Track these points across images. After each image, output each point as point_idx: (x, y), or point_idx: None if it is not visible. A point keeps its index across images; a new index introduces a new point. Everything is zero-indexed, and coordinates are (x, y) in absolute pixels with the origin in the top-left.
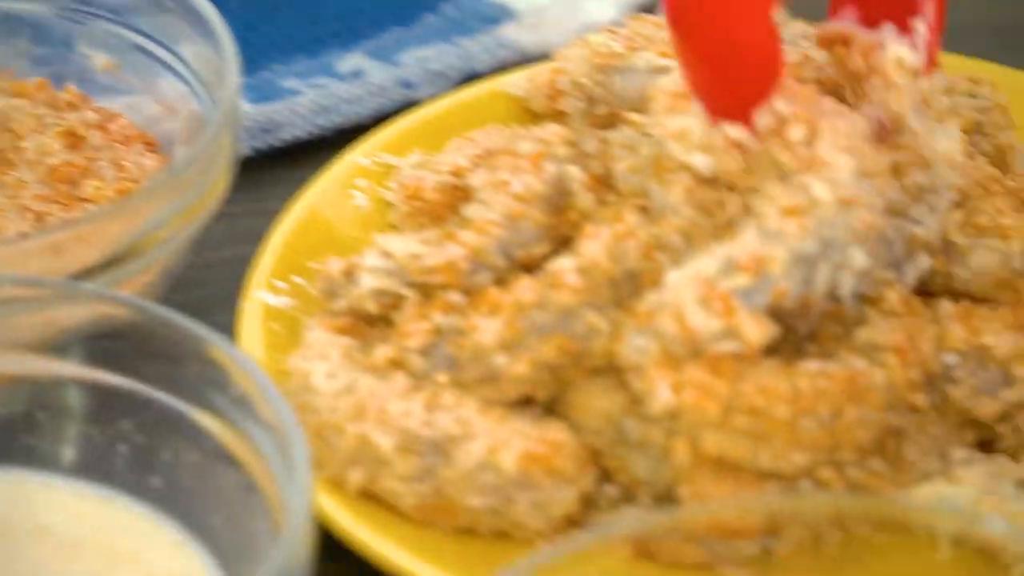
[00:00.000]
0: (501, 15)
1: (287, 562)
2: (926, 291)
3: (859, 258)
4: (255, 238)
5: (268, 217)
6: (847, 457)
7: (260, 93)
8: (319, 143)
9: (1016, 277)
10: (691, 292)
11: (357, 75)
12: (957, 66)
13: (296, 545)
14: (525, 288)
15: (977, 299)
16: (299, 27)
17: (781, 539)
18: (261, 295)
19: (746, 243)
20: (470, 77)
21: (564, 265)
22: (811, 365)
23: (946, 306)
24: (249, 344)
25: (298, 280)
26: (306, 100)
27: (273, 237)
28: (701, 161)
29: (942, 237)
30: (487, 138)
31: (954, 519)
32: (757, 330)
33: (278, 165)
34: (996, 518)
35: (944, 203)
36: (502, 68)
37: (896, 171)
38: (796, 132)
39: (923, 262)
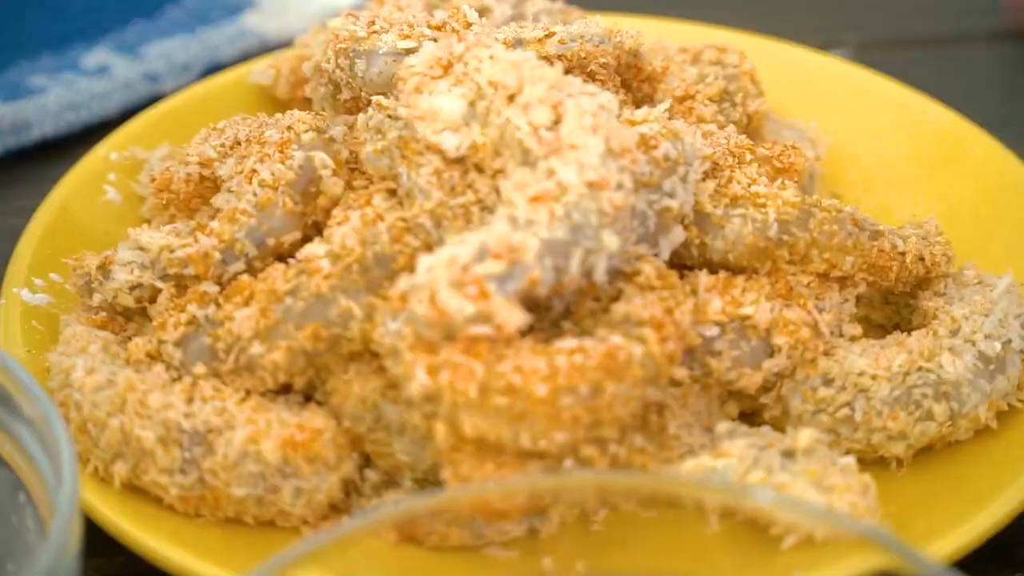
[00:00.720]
0: (242, 4)
1: (56, 560)
2: (682, 264)
3: (611, 240)
4: (10, 236)
5: (22, 215)
6: (609, 434)
7: (7, 92)
8: (69, 139)
9: (772, 246)
10: (444, 276)
11: (103, 70)
12: (705, 34)
13: (64, 543)
14: (278, 276)
15: (734, 269)
16: (44, 24)
17: (546, 518)
18: (19, 293)
19: (498, 230)
20: (215, 67)
21: (315, 251)
22: (568, 342)
23: (703, 278)
24: (9, 343)
25: (55, 277)
26: (54, 97)
27: (27, 235)
28: (449, 141)
29: (695, 208)
30: (234, 127)
31: (721, 492)
32: (511, 315)
33: (29, 163)
34: (764, 490)
35: (695, 174)
36: (245, 57)
37: (645, 144)
38: (540, 115)
39: (677, 235)
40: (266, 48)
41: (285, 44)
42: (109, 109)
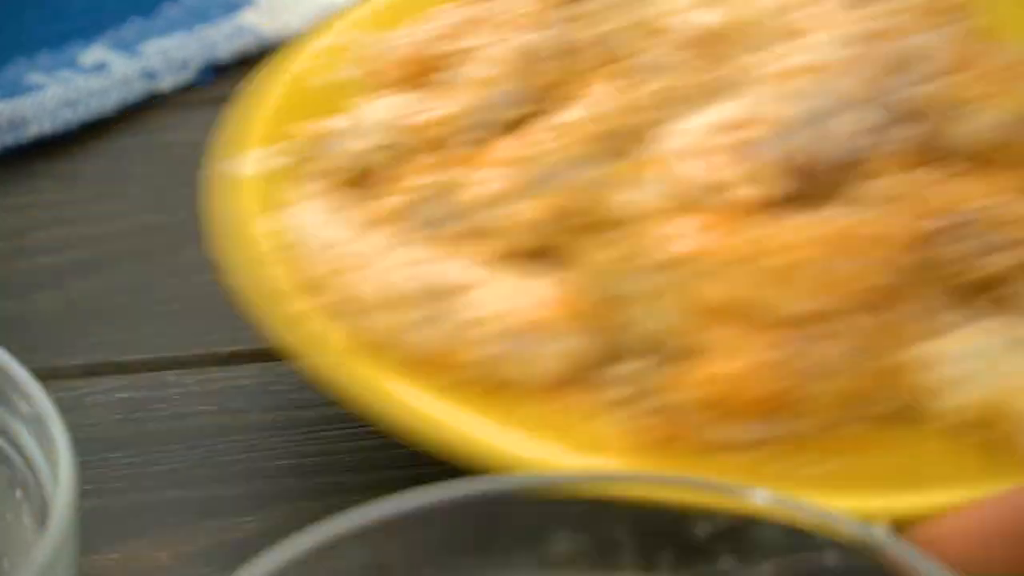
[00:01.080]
0: (240, 2)
1: (52, 558)
2: (922, 156)
3: (852, 123)
4: (7, 235)
5: (19, 213)
6: (872, 303)
7: (5, 90)
8: (66, 136)
9: (1012, 139)
10: (689, 144)
11: (101, 67)
12: None
13: (61, 540)
14: (516, 145)
15: (976, 161)
16: (44, 23)
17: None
18: (244, 162)
19: (741, 104)
20: (212, 65)
21: (550, 123)
22: (821, 213)
23: (943, 169)
24: (235, 211)
25: (280, 148)
26: (51, 94)
27: (254, 108)
28: (692, 19)
29: (935, 100)
30: (459, 12)
31: (716, 491)
32: (752, 185)
33: (26, 160)
34: (759, 490)
35: (933, 68)
36: (243, 55)
37: (886, 35)
38: None
39: (915, 126)
40: (264, 46)
41: (282, 42)
42: (106, 106)
